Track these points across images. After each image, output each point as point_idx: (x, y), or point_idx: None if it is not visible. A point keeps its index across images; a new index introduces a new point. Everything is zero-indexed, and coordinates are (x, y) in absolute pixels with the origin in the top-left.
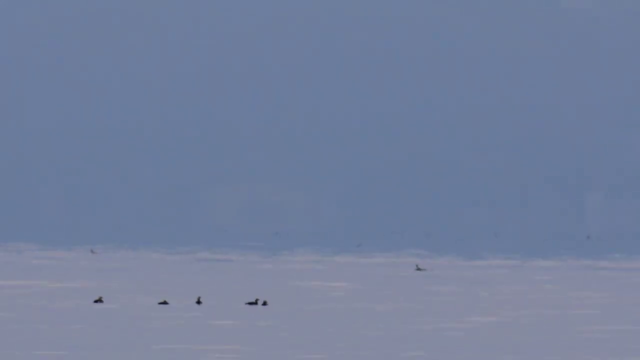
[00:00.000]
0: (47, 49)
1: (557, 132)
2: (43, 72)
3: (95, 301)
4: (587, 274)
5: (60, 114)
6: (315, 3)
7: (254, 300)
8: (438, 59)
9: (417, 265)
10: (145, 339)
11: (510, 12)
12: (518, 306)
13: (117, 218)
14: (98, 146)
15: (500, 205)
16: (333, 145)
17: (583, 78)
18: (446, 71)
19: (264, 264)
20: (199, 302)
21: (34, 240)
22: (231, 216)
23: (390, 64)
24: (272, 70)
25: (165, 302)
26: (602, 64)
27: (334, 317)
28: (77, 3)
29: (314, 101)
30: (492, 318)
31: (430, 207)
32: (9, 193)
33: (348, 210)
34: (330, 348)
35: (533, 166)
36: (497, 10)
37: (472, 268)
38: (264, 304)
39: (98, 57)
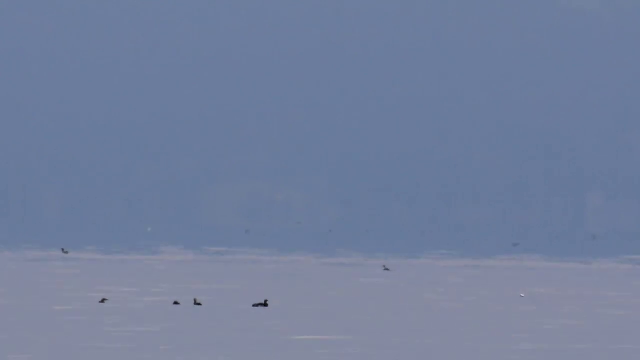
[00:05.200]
0: (47, 49)
1: (556, 131)
2: (42, 71)
3: (101, 302)
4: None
5: (58, 112)
6: (316, 2)
7: (263, 302)
8: (437, 58)
9: (384, 266)
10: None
11: (509, 10)
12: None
13: (114, 217)
14: (96, 144)
15: (500, 204)
16: (334, 144)
17: (583, 77)
18: (445, 70)
19: (264, 263)
20: (196, 303)
21: (31, 240)
22: (230, 215)
23: (391, 63)
24: (272, 67)
25: (177, 303)
26: (602, 63)
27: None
28: (77, 1)
29: (314, 99)
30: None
31: (430, 207)
32: (7, 193)
33: (348, 209)
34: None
35: (532, 166)
36: (495, 8)
37: (443, 268)
38: (265, 303)
39: (97, 57)
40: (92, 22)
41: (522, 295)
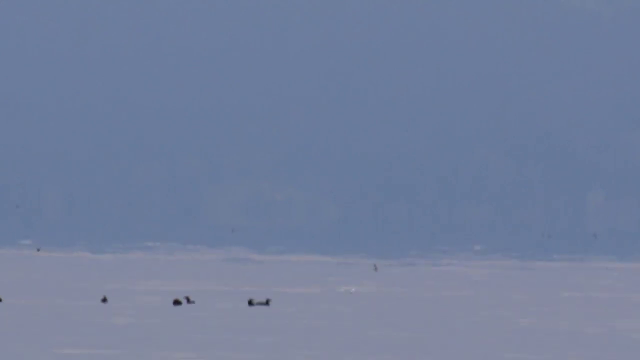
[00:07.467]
0: (47, 49)
1: (556, 131)
2: (42, 71)
3: (102, 300)
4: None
5: (58, 111)
6: (316, 1)
7: (264, 301)
8: (437, 57)
9: (374, 266)
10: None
11: (509, 9)
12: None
13: (116, 217)
14: (96, 144)
15: (500, 204)
16: (334, 144)
17: (583, 77)
18: (445, 70)
19: (263, 263)
20: (189, 300)
21: (34, 239)
22: (230, 215)
23: (391, 63)
24: (272, 66)
25: (178, 302)
26: (602, 62)
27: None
28: (77, 1)
29: (314, 99)
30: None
31: (430, 207)
32: (8, 192)
33: (348, 209)
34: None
35: (532, 165)
36: (495, 7)
37: (428, 267)
38: (267, 302)
39: (98, 57)
40: (92, 21)
41: (351, 291)
